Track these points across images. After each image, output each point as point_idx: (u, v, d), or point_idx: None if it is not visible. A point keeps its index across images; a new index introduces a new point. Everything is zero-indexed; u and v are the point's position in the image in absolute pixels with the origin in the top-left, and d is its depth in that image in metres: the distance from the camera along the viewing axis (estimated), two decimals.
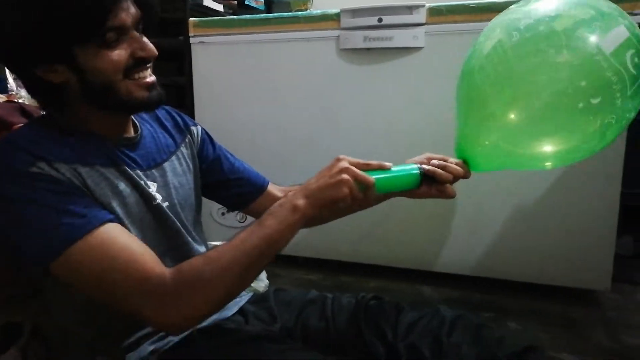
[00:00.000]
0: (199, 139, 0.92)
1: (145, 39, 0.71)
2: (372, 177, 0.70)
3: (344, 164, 0.68)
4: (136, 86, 0.70)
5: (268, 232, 0.65)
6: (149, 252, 0.66)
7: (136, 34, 0.69)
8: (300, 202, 0.66)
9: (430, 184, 0.80)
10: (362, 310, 0.84)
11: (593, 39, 0.76)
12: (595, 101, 0.76)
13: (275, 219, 0.66)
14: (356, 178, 0.67)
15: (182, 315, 0.63)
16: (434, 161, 0.82)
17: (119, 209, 0.70)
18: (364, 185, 0.68)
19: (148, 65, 0.72)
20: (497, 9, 1.45)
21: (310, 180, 0.69)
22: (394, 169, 0.75)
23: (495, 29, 0.85)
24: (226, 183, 0.95)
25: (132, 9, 0.68)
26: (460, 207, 1.64)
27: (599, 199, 1.49)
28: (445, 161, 0.82)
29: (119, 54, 0.67)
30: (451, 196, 0.82)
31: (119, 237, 0.64)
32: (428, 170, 0.79)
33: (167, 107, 0.91)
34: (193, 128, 0.92)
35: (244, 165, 0.98)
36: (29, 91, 0.74)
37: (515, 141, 0.81)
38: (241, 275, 0.65)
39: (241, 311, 0.86)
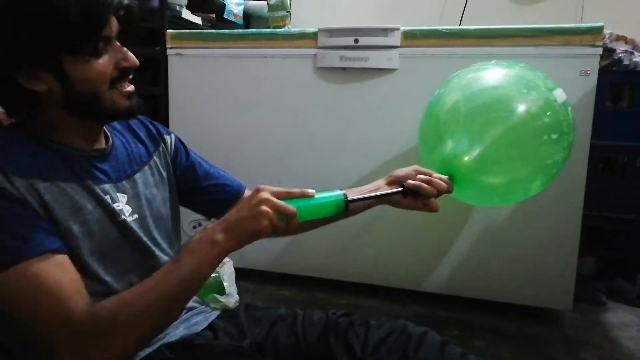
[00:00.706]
0: (173, 147, 0.91)
1: (126, 50, 0.71)
2: (294, 206, 0.68)
3: (264, 194, 0.67)
4: (118, 95, 0.71)
5: (186, 270, 0.64)
6: (79, 290, 0.64)
7: (118, 44, 0.70)
8: (219, 236, 0.65)
9: (415, 197, 0.83)
10: (332, 327, 0.84)
11: (547, 91, 1.01)
12: (554, 136, 0.97)
13: (193, 255, 0.65)
14: (276, 209, 0.66)
15: (99, 357, 0.62)
16: (419, 176, 0.84)
17: (76, 227, 0.68)
18: (285, 216, 0.67)
19: (129, 77, 0.73)
20: (469, 35, 1.52)
21: (231, 211, 0.68)
22: (318, 195, 0.73)
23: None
24: (201, 189, 0.93)
25: (116, 19, 0.69)
26: (428, 228, 1.67)
27: (562, 221, 1.55)
28: (430, 176, 0.85)
29: (105, 64, 0.68)
30: (434, 210, 0.85)
31: (53, 271, 0.62)
32: (413, 185, 0.82)
33: (140, 117, 0.90)
34: (167, 137, 0.91)
35: (219, 171, 0.97)
36: (2, 98, 0.72)
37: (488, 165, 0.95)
38: (159, 318, 0.64)
39: (210, 327, 0.85)
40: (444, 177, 0.87)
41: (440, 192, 0.85)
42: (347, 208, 0.76)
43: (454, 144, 0.98)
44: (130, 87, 0.73)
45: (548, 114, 0.98)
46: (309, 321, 0.87)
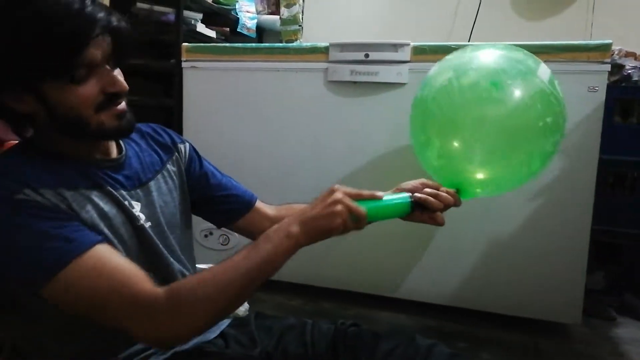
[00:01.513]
0: (187, 156, 0.92)
1: (116, 73, 0.70)
2: (364, 207, 0.71)
3: (339, 195, 0.69)
4: (107, 117, 0.70)
5: (262, 255, 0.67)
6: (140, 271, 0.66)
7: (107, 68, 0.68)
8: (295, 229, 0.68)
9: (422, 210, 0.84)
10: (341, 337, 0.85)
11: (531, 73, 0.96)
12: (549, 120, 0.95)
13: (270, 243, 0.67)
14: (350, 210, 0.69)
15: (174, 334, 0.64)
16: (426, 189, 0.85)
17: (107, 230, 0.70)
18: (356, 216, 0.70)
19: (119, 99, 0.71)
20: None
21: (306, 207, 0.71)
22: (385, 198, 0.76)
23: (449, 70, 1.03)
24: (213, 199, 0.94)
25: (105, 42, 0.67)
26: (437, 240, 1.68)
27: (571, 235, 1.55)
28: (438, 189, 0.86)
29: (89, 90, 0.67)
30: (440, 224, 0.86)
31: (110, 259, 0.65)
32: (420, 198, 0.83)
33: (153, 125, 0.91)
34: (180, 145, 0.92)
35: (232, 181, 0.98)
36: None
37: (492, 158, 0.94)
38: (234, 297, 0.66)
39: (222, 335, 0.86)
40: (451, 190, 0.88)
41: (447, 207, 0.86)
42: (413, 211, 0.81)
43: (460, 154, 0.98)
44: (122, 106, 0.72)
45: (538, 100, 0.95)
46: (318, 331, 0.88)
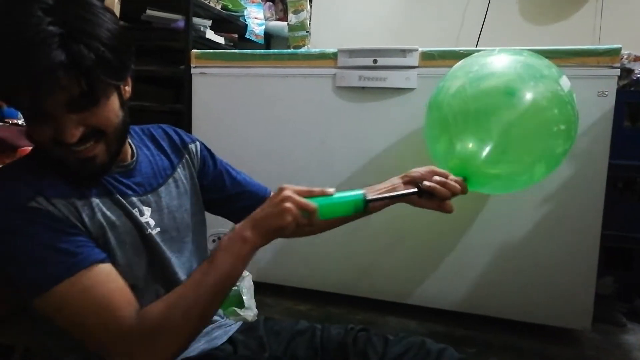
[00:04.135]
0: (199, 156, 0.92)
1: (67, 123, 0.63)
2: (315, 203, 0.71)
3: (287, 192, 0.70)
4: (68, 154, 0.67)
5: (222, 268, 0.67)
6: (128, 297, 0.67)
7: (61, 115, 0.63)
8: (248, 233, 0.68)
9: (430, 198, 0.85)
10: (351, 342, 0.85)
11: (554, 80, 1.03)
12: (562, 127, 1.01)
13: (227, 253, 0.68)
14: (299, 206, 0.69)
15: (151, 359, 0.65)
16: (435, 177, 0.86)
17: (112, 240, 0.71)
18: (307, 212, 0.70)
19: (79, 145, 0.66)
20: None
21: (256, 210, 0.71)
22: (337, 195, 0.76)
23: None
24: (230, 198, 0.95)
25: (64, 89, 0.60)
26: (446, 246, 1.68)
27: (580, 240, 1.54)
28: (446, 178, 0.87)
29: (40, 131, 0.65)
30: (449, 211, 0.87)
31: (103, 281, 0.66)
32: (429, 186, 0.84)
33: (163, 126, 0.91)
34: (191, 146, 0.92)
35: (246, 178, 0.99)
36: None
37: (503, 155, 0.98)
38: (203, 314, 0.67)
39: (230, 340, 0.87)
40: (459, 179, 0.89)
41: (454, 194, 0.87)
42: (366, 207, 0.78)
43: (466, 143, 1.01)
44: (87, 154, 0.67)
45: (556, 105, 1.01)
46: (327, 336, 0.88)
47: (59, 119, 0.63)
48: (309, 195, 0.72)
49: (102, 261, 0.67)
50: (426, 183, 0.84)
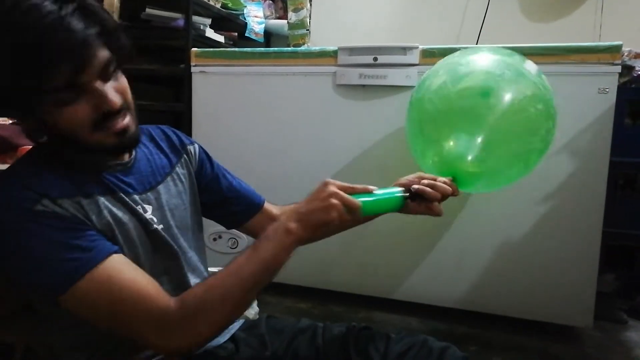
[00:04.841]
0: (197, 158, 0.92)
1: (107, 89, 0.66)
2: (358, 200, 0.72)
3: (332, 188, 0.70)
4: (105, 135, 0.69)
5: (264, 256, 0.68)
6: (153, 282, 0.67)
7: (99, 85, 0.66)
8: (293, 225, 0.69)
9: (419, 202, 0.85)
10: (353, 340, 0.85)
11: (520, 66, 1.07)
12: (540, 106, 1.04)
13: (270, 242, 0.68)
14: (344, 202, 0.70)
15: (187, 342, 0.65)
16: (424, 180, 0.86)
17: (120, 237, 0.71)
18: (350, 208, 0.71)
19: (117, 115, 0.69)
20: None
21: (300, 203, 0.72)
22: (377, 192, 0.78)
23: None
24: (223, 202, 0.95)
25: (97, 57, 0.64)
26: (448, 243, 1.68)
27: (581, 238, 1.54)
28: (435, 180, 0.87)
29: (80, 111, 0.65)
30: (438, 214, 0.87)
31: (124, 270, 0.66)
32: (418, 189, 0.84)
33: (162, 126, 0.91)
34: (190, 147, 0.92)
35: (241, 183, 0.99)
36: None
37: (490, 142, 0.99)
38: (241, 300, 0.67)
39: (233, 338, 0.87)
40: (447, 179, 0.89)
41: (445, 196, 0.87)
42: (404, 204, 0.83)
43: (451, 143, 1.02)
44: (122, 124, 0.70)
45: (523, 84, 1.04)
46: (329, 334, 0.88)
47: (99, 88, 0.66)
48: (352, 191, 0.73)
49: (117, 252, 0.67)
50: (415, 186, 0.85)
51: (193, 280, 0.81)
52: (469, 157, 0.98)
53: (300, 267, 1.84)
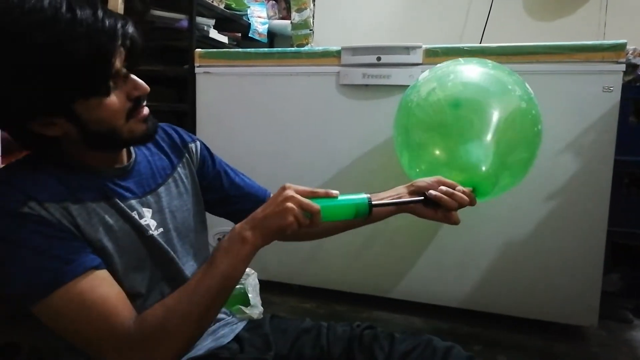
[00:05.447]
0: (199, 155, 0.91)
1: (134, 77, 0.70)
2: (318, 205, 0.70)
3: (289, 192, 0.69)
4: (135, 124, 0.71)
5: (222, 270, 0.66)
6: (124, 303, 0.66)
7: (127, 74, 0.68)
8: (248, 233, 0.68)
9: (436, 208, 0.83)
10: (357, 339, 0.85)
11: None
12: (524, 105, 1.11)
13: (226, 254, 0.67)
14: (301, 206, 0.68)
15: None
16: (442, 187, 0.84)
17: (110, 245, 0.69)
18: (309, 213, 0.69)
19: (143, 102, 0.72)
20: (490, 52, 1.54)
21: (257, 210, 0.70)
22: (342, 197, 0.74)
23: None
24: (229, 199, 0.94)
25: (121, 50, 0.66)
26: (451, 243, 1.68)
27: (586, 237, 1.54)
28: (454, 188, 0.84)
29: (118, 99, 0.67)
30: (455, 223, 0.85)
31: (98, 287, 0.64)
32: (435, 196, 0.82)
33: (163, 125, 0.89)
34: (191, 145, 0.91)
35: (245, 179, 0.98)
36: (21, 144, 0.71)
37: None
38: (203, 317, 0.66)
39: (237, 338, 0.86)
40: (467, 189, 0.86)
41: (462, 206, 0.84)
42: (370, 212, 0.76)
43: (473, 151, 1.00)
44: (146, 110, 0.73)
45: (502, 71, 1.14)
46: (333, 334, 0.88)
47: (129, 76, 0.68)
48: (312, 196, 0.72)
49: (97, 267, 0.66)
50: (432, 192, 0.83)
51: None
52: (490, 166, 1.00)
53: (304, 267, 1.85)
